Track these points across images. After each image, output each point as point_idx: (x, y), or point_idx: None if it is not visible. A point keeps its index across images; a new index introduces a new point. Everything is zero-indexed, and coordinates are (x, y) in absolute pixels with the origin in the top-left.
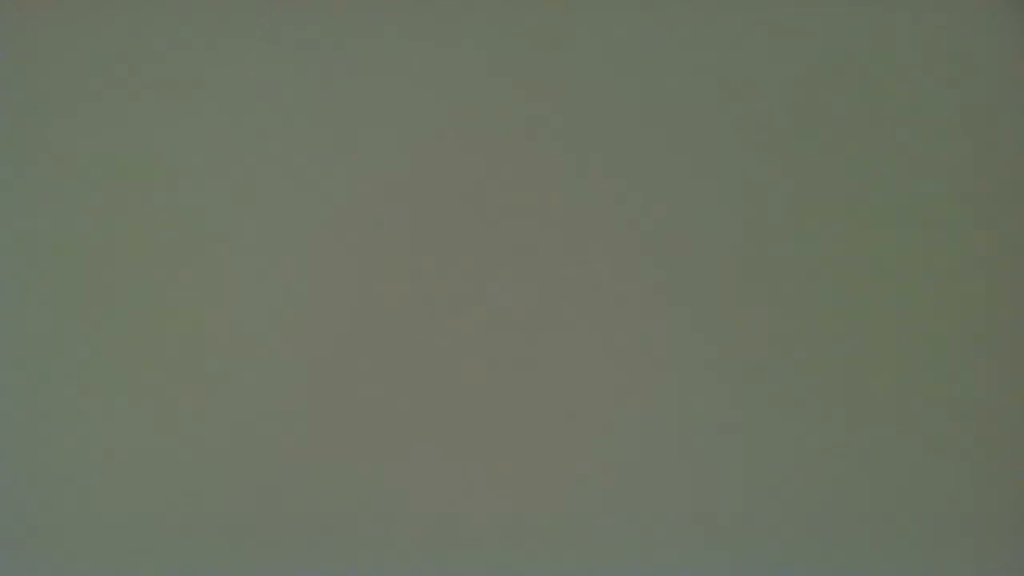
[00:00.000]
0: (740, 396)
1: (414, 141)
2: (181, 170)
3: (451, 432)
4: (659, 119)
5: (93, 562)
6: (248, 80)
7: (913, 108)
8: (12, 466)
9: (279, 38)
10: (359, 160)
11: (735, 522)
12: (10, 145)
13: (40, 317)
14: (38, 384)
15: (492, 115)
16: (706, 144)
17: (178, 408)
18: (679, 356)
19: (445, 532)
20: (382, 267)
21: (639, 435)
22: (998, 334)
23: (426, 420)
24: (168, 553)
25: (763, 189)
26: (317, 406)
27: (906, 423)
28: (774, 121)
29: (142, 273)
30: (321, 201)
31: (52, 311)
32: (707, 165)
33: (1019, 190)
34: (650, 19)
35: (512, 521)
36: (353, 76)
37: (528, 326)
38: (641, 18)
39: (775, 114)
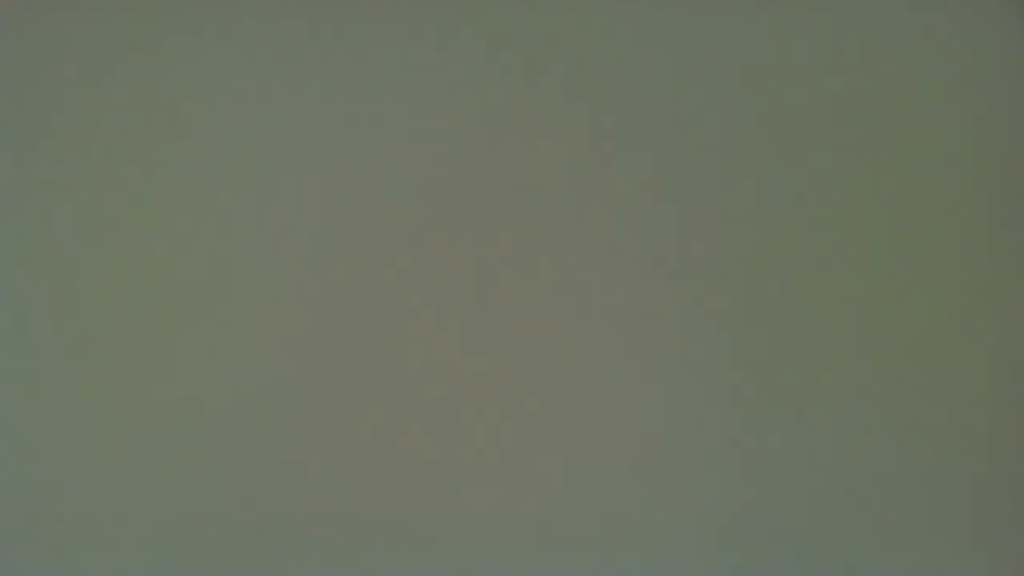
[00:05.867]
0: (743, 396)
1: (416, 140)
2: (181, 169)
3: (452, 431)
4: (663, 119)
5: (93, 562)
6: (249, 79)
7: (915, 108)
8: (12, 466)
9: (279, 37)
10: (360, 159)
11: (738, 523)
12: (10, 145)
13: (39, 317)
14: (38, 384)
15: (495, 114)
16: (708, 143)
17: (178, 408)
18: (682, 356)
19: (445, 532)
20: (385, 266)
21: (640, 435)
22: (1001, 334)
23: (427, 419)
24: (168, 553)
25: (764, 189)
26: (318, 406)
27: (910, 423)
28: (775, 121)
29: (143, 273)
30: (322, 200)
31: (51, 311)
32: (708, 164)
33: (1020, 190)
34: (653, 19)
35: (513, 521)
36: (355, 73)
37: (529, 326)
38: (645, 18)
39: (776, 114)
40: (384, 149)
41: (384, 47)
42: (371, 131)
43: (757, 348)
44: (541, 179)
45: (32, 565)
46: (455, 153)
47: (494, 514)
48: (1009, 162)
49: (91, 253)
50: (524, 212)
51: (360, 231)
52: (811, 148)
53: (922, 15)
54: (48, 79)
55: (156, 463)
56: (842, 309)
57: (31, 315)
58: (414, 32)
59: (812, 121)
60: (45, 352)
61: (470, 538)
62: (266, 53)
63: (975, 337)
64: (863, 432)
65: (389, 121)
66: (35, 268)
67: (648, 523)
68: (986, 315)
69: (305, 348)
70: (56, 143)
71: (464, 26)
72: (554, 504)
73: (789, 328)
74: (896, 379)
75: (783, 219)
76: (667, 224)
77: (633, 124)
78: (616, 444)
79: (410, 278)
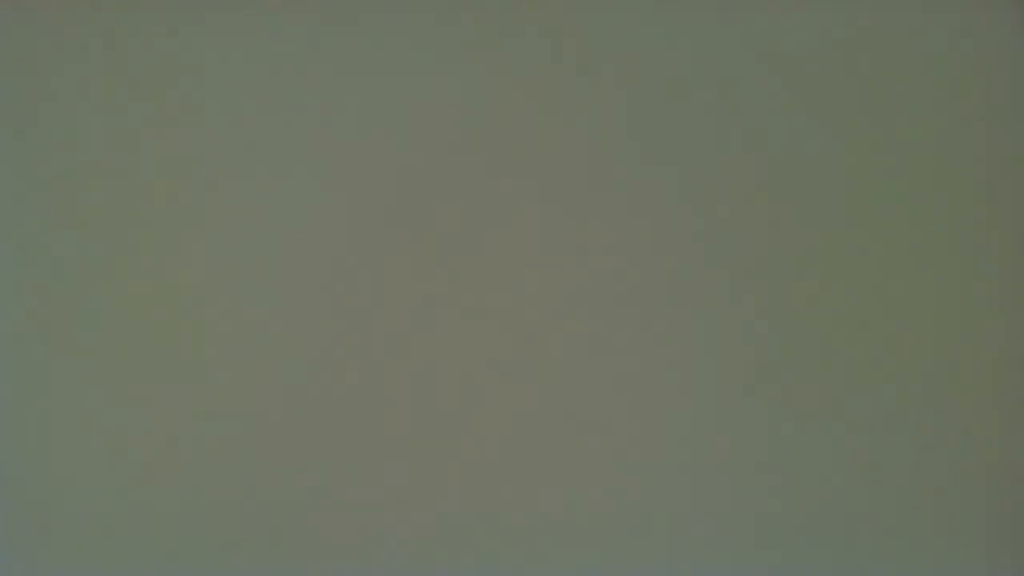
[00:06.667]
0: (743, 396)
1: (415, 140)
2: (180, 169)
3: (450, 431)
4: (660, 119)
5: (93, 562)
6: (249, 78)
7: (913, 108)
8: (12, 466)
9: (280, 36)
10: (359, 159)
11: (738, 523)
12: (10, 145)
13: (40, 317)
14: (38, 384)
15: (490, 115)
16: (705, 143)
17: (178, 408)
18: (679, 356)
19: (444, 532)
20: (384, 266)
21: (639, 435)
22: (1000, 334)
23: (426, 419)
24: (168, 553)
25: (763, 189)
26: (317, 406)
27: (912, 423)
28: (774, 121)
29: (142, 273)
30: (322, 200)
31: (52, 311)
32: (707, 163)
33: (1020, 190)
34: (651, 19)
35: (512, 521)
36: (356, 72)
37: (526, 325)
38: (642, 18)
39: (775, 114)
40: (385, 149)
41: (385, 46)
42: (373, 131)
43: (759, 348)
44: (544, 178)
45: (32, 565)
46: (456, 153)
47: (494, 514)
48: (1009, 162)
49: (91, 253)
50: (526, 212)
51: (362, 230)
52: (810, 148)
53: (922, 15)
54: (48, 79)
55: (157, 463)
56: (844, 308)
57: (31, 315)
58: (416, 30)
59: (811, 121)
60: (45, 352)
61: (470, 538)
62: (267, 52)
63: (977, 336)
64: (865, 432)
65: (391, 121)
66: (36, 268)
67: (648, 523)
68: (988, 315)
69: (306, 348)
70: (56, 143)
71: (466, 26)
72: (554, 504)
73: (790, 328)
74: (898, 379)
75: (783, 219)
76: (669, 224)
77: (634, 124)
78: (616, 444)
79: (411, 279)
